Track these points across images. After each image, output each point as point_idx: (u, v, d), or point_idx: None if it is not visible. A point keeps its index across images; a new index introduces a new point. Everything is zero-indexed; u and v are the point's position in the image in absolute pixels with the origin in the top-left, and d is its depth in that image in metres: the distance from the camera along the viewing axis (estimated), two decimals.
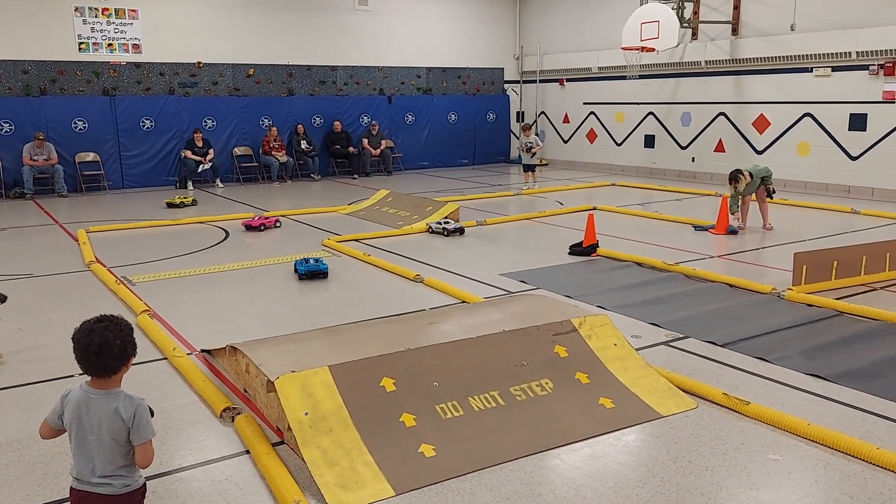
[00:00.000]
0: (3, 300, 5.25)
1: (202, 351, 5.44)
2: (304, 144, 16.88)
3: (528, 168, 15.08)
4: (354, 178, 17.14)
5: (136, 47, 15.50)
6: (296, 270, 7.74)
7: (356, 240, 9.63)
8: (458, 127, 19.76)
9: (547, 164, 19.94)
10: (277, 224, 10.81)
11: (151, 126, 15.61)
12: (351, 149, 17.54)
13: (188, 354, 5.35)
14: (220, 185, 15.73)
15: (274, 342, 4.79)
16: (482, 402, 4.18)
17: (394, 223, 10.76)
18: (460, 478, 3.63)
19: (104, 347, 2.58)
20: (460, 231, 9.90)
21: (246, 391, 4.64)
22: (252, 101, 16.78)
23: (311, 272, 7.62)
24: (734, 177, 9.80)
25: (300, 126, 17.00)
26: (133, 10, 15.35)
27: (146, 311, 6.29)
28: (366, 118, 18.24)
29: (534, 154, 15.00)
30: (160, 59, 15.78)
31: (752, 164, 11.36)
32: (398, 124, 18.85)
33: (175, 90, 16.01)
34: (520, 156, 15.48)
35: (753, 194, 10.06)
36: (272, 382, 3.88)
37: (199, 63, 16.21)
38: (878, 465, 3.69)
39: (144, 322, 5.99)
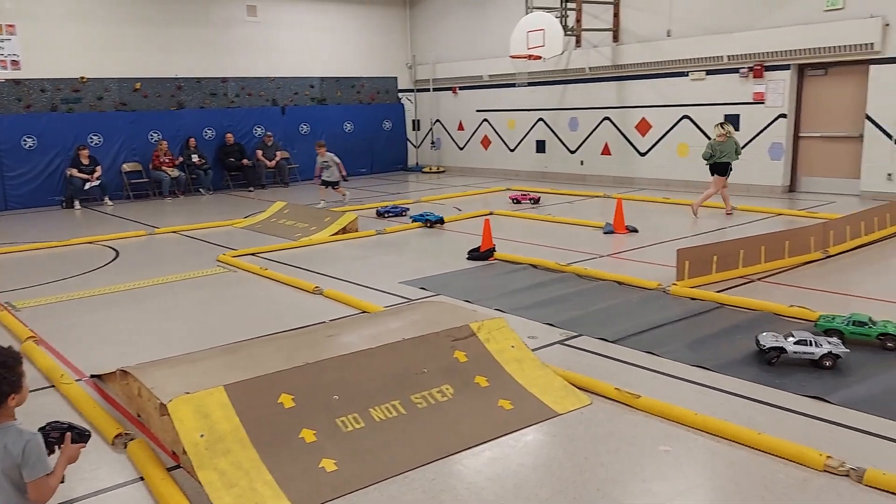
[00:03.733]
0: None
1: (92, 377, 5.25)
2: (195, 158, 16.47)
3: (330, 184, 14.11)
4: (250, 191, 16.85)
5: (15, 63, 14.76)
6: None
7: (252, 254, 9.48)
8: (354, 136, 19.69)
9: (444, 171, 20.17)
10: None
11: (34, 144, 14.89)
12: (245, 161, 17.24)
13: (77, 381, 5.16)
14: (110, 202, 15.16)
15: (167, 363, 4.67)
16: (383, 412, 4.20)
17: (291, 235, 10.65)
18: (362, 490, 3.64)
19: None
20: None
21: (139, 416, 4.51)
22: (140, 115, 16.26)
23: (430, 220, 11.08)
24: (725, 122, 10.71)
25: (191, 140, 16.59)
26: (10, 26, 14.60)
27: (32, 338, 6.04)
28: (259, 129, 17.96)
29: (331, 172, 14.02)
30: (41, 76, 15.07)
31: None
32: (293, 135, 18.63)
33: (58, 107, 15.34)
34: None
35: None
36: (165, 405, 3.80)
37: (83, 78, 15.59)
38: (760, 450, 3.90)
39: (30, 349, 5.73)
